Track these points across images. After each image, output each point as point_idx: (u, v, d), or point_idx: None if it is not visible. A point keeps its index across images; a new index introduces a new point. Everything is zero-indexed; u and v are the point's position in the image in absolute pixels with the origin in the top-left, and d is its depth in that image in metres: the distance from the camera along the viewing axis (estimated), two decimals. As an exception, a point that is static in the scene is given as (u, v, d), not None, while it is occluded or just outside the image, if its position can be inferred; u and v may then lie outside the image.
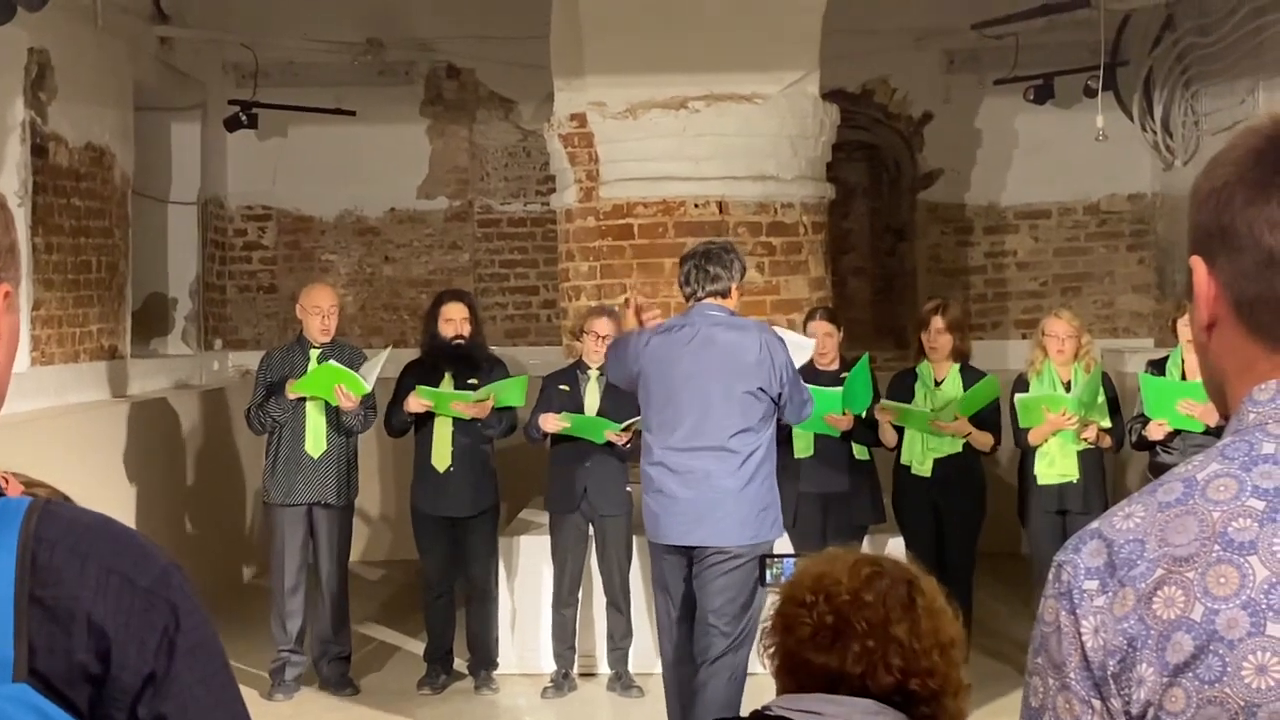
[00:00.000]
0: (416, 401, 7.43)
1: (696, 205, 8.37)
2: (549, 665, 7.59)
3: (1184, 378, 6.89)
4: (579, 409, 7.41)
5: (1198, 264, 1.41)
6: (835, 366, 7.57)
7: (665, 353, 6.00)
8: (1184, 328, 6.74)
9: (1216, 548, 1.29)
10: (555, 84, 8.72)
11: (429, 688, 7.61)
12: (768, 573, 4.38)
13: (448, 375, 7.55)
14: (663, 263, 8.10)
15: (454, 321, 7.56)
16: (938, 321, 7.58)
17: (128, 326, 9.28)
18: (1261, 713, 1.25)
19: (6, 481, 1.77)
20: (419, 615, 8.02)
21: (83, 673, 1.30)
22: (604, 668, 7.64)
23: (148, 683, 1.31)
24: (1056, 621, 1.35)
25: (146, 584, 1.34)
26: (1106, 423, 7.26)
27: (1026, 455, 7.41)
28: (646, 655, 7.25)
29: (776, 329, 6.48)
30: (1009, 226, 11.24)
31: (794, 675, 2.29)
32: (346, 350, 7.67)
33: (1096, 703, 1.32)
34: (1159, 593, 1.30)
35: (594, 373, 7.44)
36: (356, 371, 7.36)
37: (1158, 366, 7.14)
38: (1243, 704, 1.25)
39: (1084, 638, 1.33)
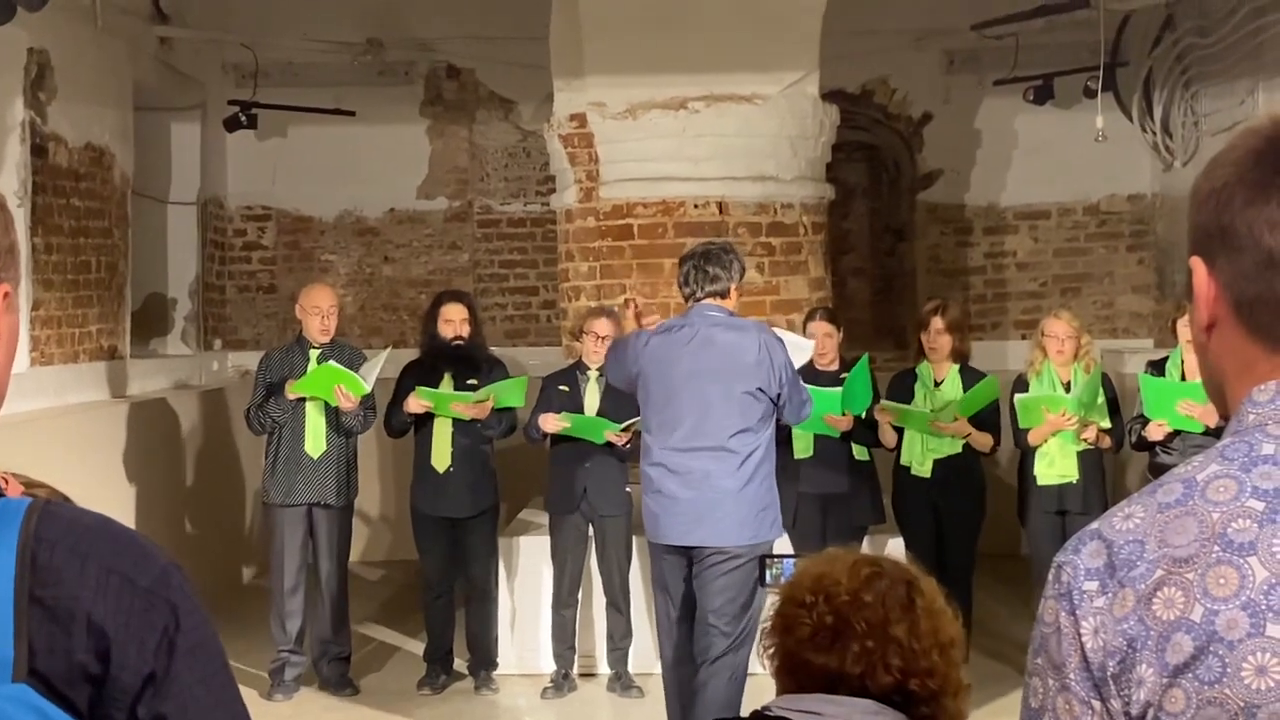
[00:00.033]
0: (416, 402, 7.43)
1: (696, 206, 8.37)
2: (549, 665, 7.59)
3: (1184, 378, 6.89)
4: (579, 409, 7.41)
5: (1197, 265, 1.41)
6: (835, 367, 7.57)
7: (664, 353, 6.00)
8: (1184, 328, 6.74)
9: (1216, 548, 1.29)
10: (555, 84, 8.73)
11: (429, 688, 7.61)
12: (767, 573, 4.38)
13: (447, 376, 7.55)
14: (662, 263, 8.10)
15: (453, 322, 7.56)
16: (937, 322, 7.58)
17: (127, 327, 9.28)
18: (1261, 713, 1.25)
19: (6, 482, 1.77)
20: (419, 615, 8.02)
21: (83, 673, 1.30)
22: (604, 668, 7.64)
23: (148, 683, 1.31)
24: (1056, 622, 1.35)
25: (146, 584, 1.34)
26: (1106, 423, 7.26)
27: (1026, 456, 7.41)
28: (646, 655, 7.25)
29: (775, 330, 6.48)
30: (1009, 227, 11.24)
31: (794, 675, 2.29)
32: (346, 351, 7.67)
33: (1096, 703, 1.32)
34: (1159, 593, 1.30)
35: (594, 373, 7.44)
36: (356, 372, 7.36)
37: (1157, 367, 7.14)
38: (1242, 705, 1.25)
39: (1084, 638, 1.33)
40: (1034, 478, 7.30)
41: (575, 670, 7.58)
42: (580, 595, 7.57)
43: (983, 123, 11.09)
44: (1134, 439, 7.13)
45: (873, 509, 7.63)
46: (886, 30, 10.50)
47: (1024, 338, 9.85)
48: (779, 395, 5.93)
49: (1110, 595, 1.32)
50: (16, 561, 1.30)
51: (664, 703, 6.31)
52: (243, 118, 10.45)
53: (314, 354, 7.53)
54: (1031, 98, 10.28)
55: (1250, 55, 8.65)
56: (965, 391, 7.49)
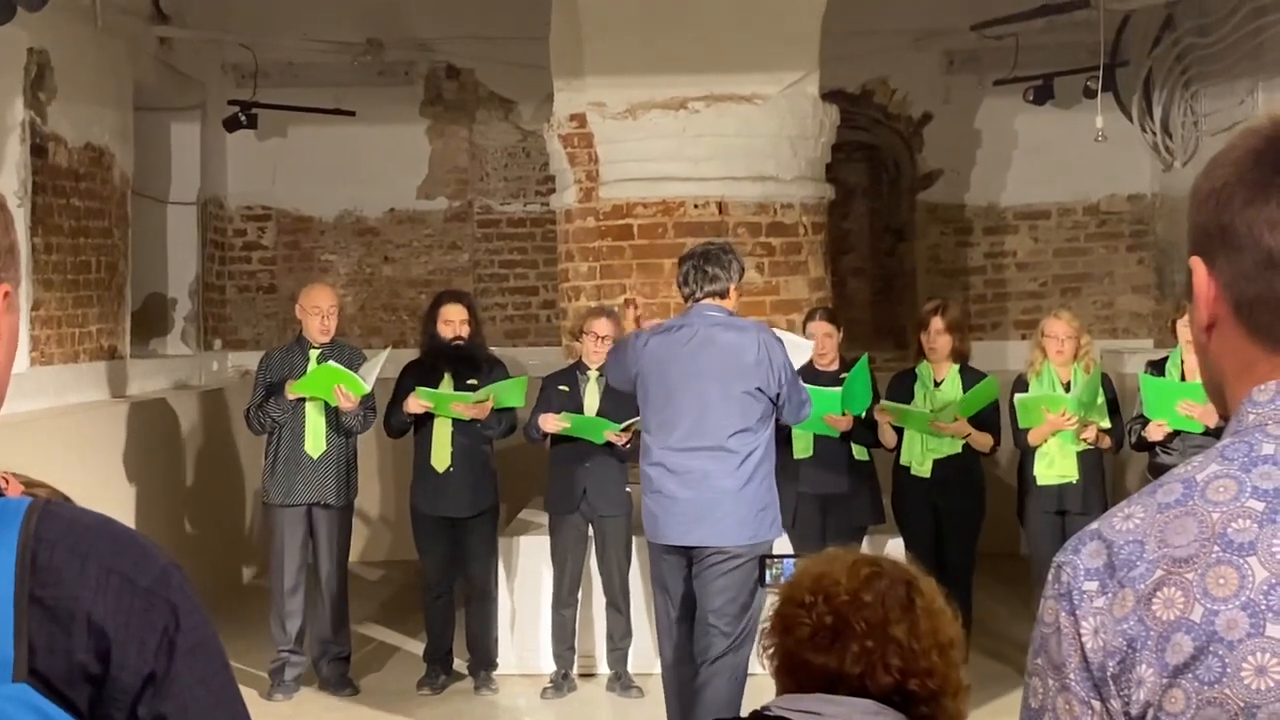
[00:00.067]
0: (416, 403, 7.43)
1: (696, 206, 8.37)
2: (548, 666, 7.59)
3: (1184, 378, 6.89)
4: (579, 409, 7.41)
5: (1197, 265, 1.41)
6: (835, 367, 7.57)
7: (664, 353, 6.00)
8: (1183, 328, 6.74)
9: (1216, 549, 1.29)
10: (555, 84, 8.73)
11: (429, 688, 7.61)
12: (767, 573, 4.38)
13: (447, 376, 7.55)
14: (662, 263, 8.10)
15: (453, 323, 7.56)
16: (937, 322, 7.58)
17: (127, 327, 9.28)
18: (1261, 714, 1.25)
19: (7, 482, 1.77)
20: (419, 615, 8.02)
21: (83, 673, 1.30)
22: (603, 668, 7.64)
23: (148, 683, 1.31)
24: (1056, 622, 1.35)
25: (146, 584, 1.34)
26: (1106, 423, 7.26)
27: (1026, 456, 7.40)
28: (646, 656, 7.25)
29: (775, 330, 6.48)
30: (1008, 227, 11.24)
31: (793, 675, 2.29)
32: (346, 350, 7.67)
33: (1096, 703, 1.32)
34: (1158, 594, 1.30)
35: (593, 373, 7.44)
36: (356, 372, 7.36)
37: (1157, 367, 7.14)
38: (1242, 705, 1.25)
39: (1084, 638, 1.33)
40: (1034, 478, 7.30)
41: (575, 670, 7.58)
42: (580, 595, 7.58)
43: (983, 123, 11.09)
44: (1134, 439, 7.13)
45: (872, 509, 7.63)
46: (886, 30, 10.51)
47: (1024, 338, 9.85)
48: (778, 395, 5.93)
49: (1110, 595, 1.32)
50: (16, 561, 1.30)
51: (664, 703, 6.31)
52: (243, 118, 10.45)
53: (314, 354, 7.53)
54: (1031, 98, 10.28)
55: (1250, 55, 8.65)
56: (965, 392, 7.48)
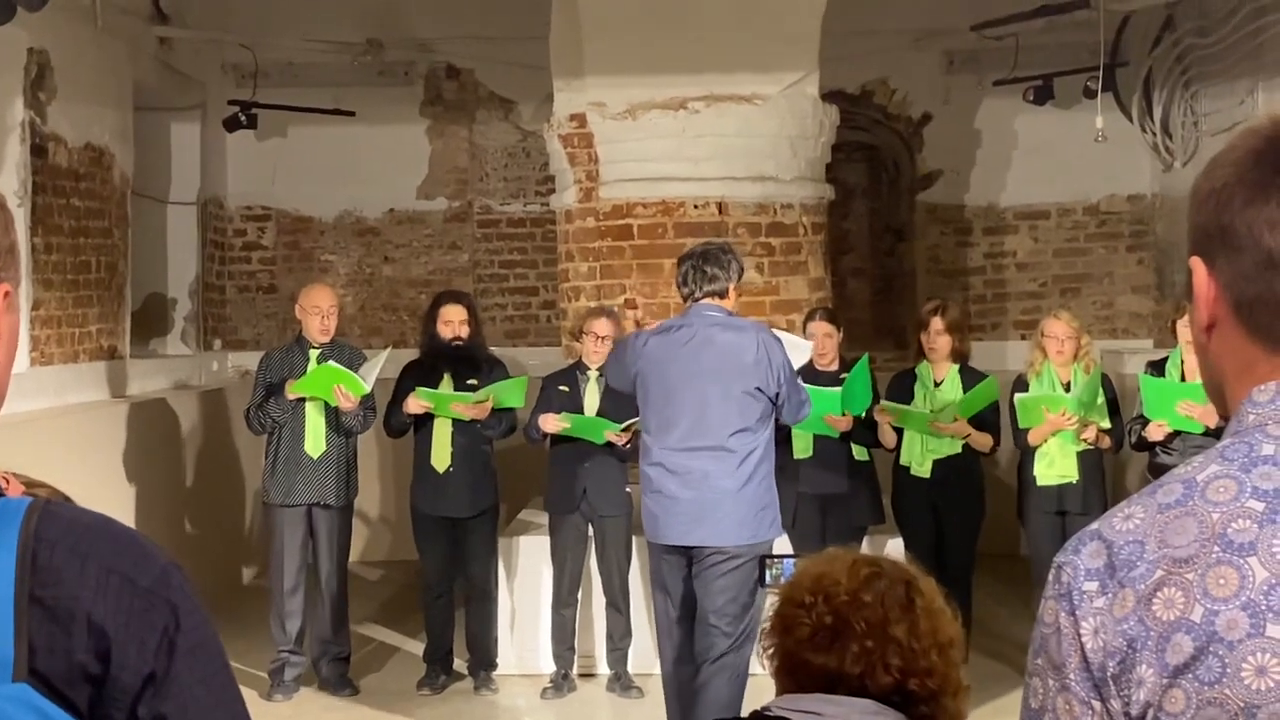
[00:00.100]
0: (416, 403, 7.43)
1: (696, 206, 8.37)
2: (548, 666, 7.59)
3: (1184, 379, 6.89)
4: (579, 409, 7.41)
5: (1197, 265, 1.41)
6: (835, 367, 7.57)
7: (663, 353, 6.00)
8: (1183, 329, 6.74)
9: (1216, 549, 1.29)
10: (555, 84, 8.73)
11: (428, 688, 7.61)
12: (767, 573, 4.38)
13: (447, 376, 7.55)
14: (662, 263, 8.10)
15: (452, 323, 7.55)
16: (937, 322, 7.58)
17: (127, 327, 9.28)
18: (1261, 714, 1.25)
19: (7, 481, 1.77)
20: (418, 616, 8.02)
21: (83, 673, 1.30)
22: (603, 668, 7.64)
23: (148, 683, 1.31)
24: (1056, 623, 1.35)
25: (146, 584, 1.34)
26: (1106, 423, 7.26)
27: (1026, 456, 7.40)
28: (646, 656, 7.24)
29: (774, 330, 6.48)
30: (1008, 227, 11.24)
31: (793, 676, 2.29)
32: (346, 350, 7.67)
33: (1096, 704, 1.32)
34: (1159, 594, 1.30)
35: (593, 373, 7.44)
36: (356, 372, 7.36)
37: (1157, 367, 7.14)
38: (1242, 705, 1.25)
39: (1084, 639, 1.33)
40: (1033, 478, 7.30)
41: (575, 670, 7.58)
42: (580, 595, 7.58)
43: (982, 123, 11.09)
44: (1134, 439, 7.13)
45: (872, 509, 7.63)
46: (886, 30, 10.51)
47: (1024, 338, 9.85)
48: (777, 395, 5.93)
49: (1110, 596, 1.32)
50: (17, 561, 1.30)
51: (664, 703, 6.31)
52: (242, 118, 10.45)
53: (314, 354, 7.53)
54: (1031, 98, 10.28)
55: (1250, 55, 8.65)
56: (965, 392, 7.48)
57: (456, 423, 7.50)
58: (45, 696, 1.28)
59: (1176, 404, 6.73)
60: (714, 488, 5.88)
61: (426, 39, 11.01)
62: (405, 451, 8.02)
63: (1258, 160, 1.37)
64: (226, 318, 11.26)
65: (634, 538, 7.26)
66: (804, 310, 8.12)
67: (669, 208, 8.39)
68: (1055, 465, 7.23)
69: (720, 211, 8.36)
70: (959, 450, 7.49)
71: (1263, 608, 1.26)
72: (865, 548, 7.16)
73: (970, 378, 7.57)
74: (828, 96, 8.83)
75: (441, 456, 7.53)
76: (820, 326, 7.58)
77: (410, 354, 8.03)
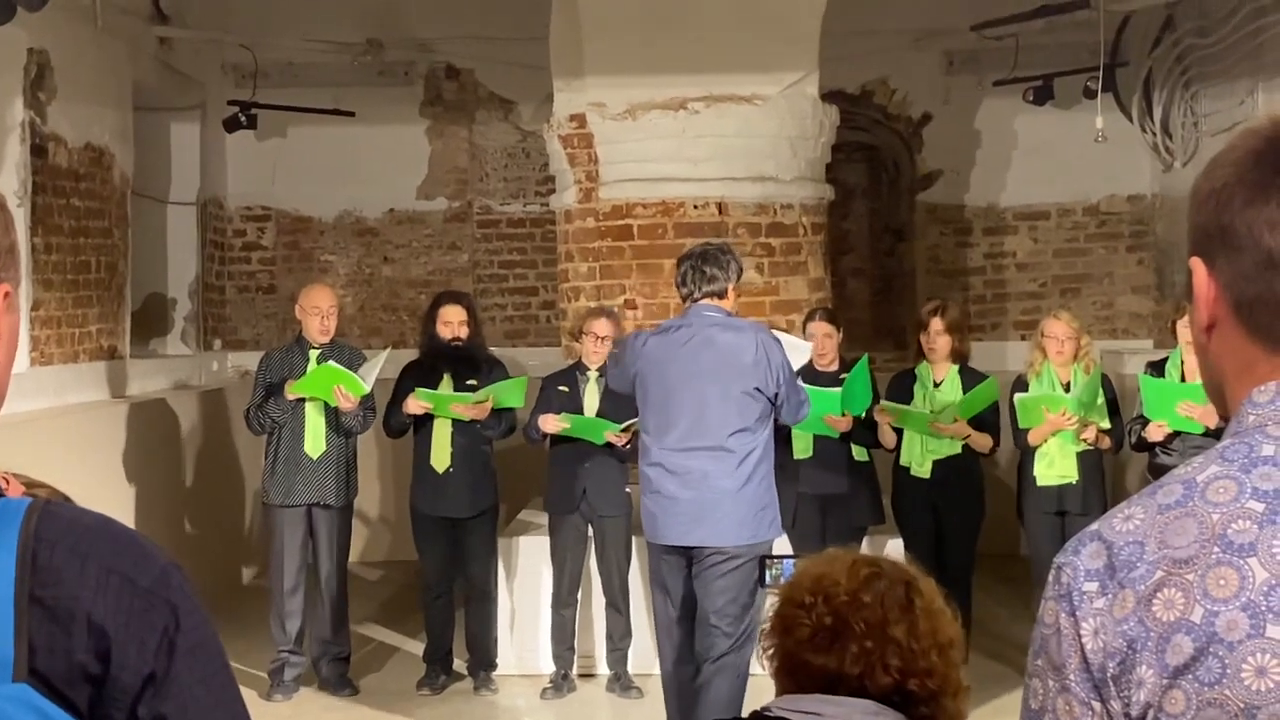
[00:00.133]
0: (415, 404, 7.43)
1: (696, 206, 8.37)
2: (548, 666, 7.59)
3: (1183, 379, 6.89)
4: (578, 410, 7.41)
5: (1197, 265, 1.41)
6: (835, 367, 7.57)
7: (662, 353, 6.01)
8: (1183, 329, 6.74)
9: (1216, 550, 1.29)
10: (555, 85, 8.73)
11: (428, 688, 7.61)
12: (767, 574, 4.38)
13: (447, 376, 7.55)
14: (662, 264, 8.10)
15: (451, 324, 7.55)
16: (936, 323, 7.58)
17: (127, 327, 9.28)
18: (1261, 715, 1.25)
19: (7, 482, 1.77)
20: (418, 616, 8.02)
21: (82, 673, 1.30)
22: (603, 668, 7.64)
23: (148, 683, 1.31)
24: (1056, 623, 1.35)
25: (146, 584, 1.34)
26: (1106, 424, 7.26)
27: (1026, 456, 7.40)
28: (646, 656, 7.24)
29: (773, 331, 6.48)
30: (1008, 228, 11.24)
31: (793, 676, 2.29)
32: (346, 351, 7.67)
33: (1096, 704, 1.32)
34: (1159, 595, 1.30)
35: (593, 374, 7.44)
36: (355, 372, 7.36)
37: (1157, 368, 7.14)
38: (1242, 706, 1.25)
39: (1084, 639, 1.33)
40: (1033, 478, 7.30)
41: (575, 671, 7.58)
42: (580, 596, 7.58)
43: (982, 123, 11.09)
44: (1134, 440, 7.13)
45: (872, 510, 7.63)
46: (886, 30, 10.51)
47: (1023, 338, 9.85)
48: (776, 395, 5.93)
49: (1110, 596, 1.32)
50: (17, 561, 1.30)
51: (664, 703, 6.31)
52: (242, 118, 10.45)
53: (313, 354, 7.53)
54: (1031, 98, 10.28)
55: (1250, 55, 8.65)
56: (965, 392, 7.48)
57: (456, 423, 7.50)
58: (45, 696, 1.28)
59: (1176, 404, 6.73)
60: (713, 488, 5.88)
61: (426, 39, 11.01)
62: (405, 452, 8.02)
63: (1258, 161, 1.37)
64: (226, 318, 11.26)
65: (634, 538, 7.26)
66: (804, 310, 8.12)
67: (669, 208, 8.39)
68: (1055, 465, 7.23)
69: (720, 212, 8.36)
70: (959, 451, 7.49)
71: (1263, 608, 1.26)
72: (865, 548, 7.16)
73: (970, 378, 7.57)
74: (828, 96, 8.83)
75: (441, 457, 7.53)
76: (820, 327, 7.58)
77: (410, 354, 8.03)
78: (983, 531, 7.69)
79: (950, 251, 11.30)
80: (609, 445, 7.32)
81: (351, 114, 10.73)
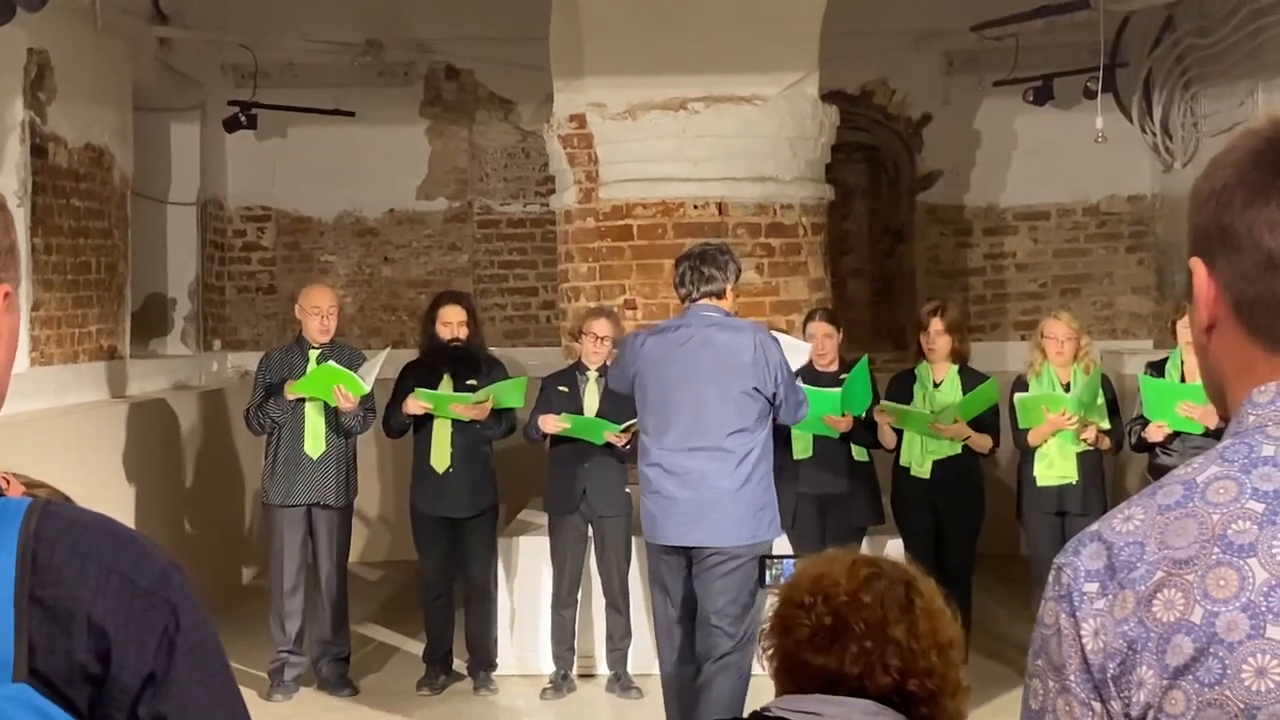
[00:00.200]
0: (415, 404, 7.43)
1: (696, 206, 8.37)
2: (548, 666, 7.59)
3: (1184, 379, 6.89)
4: (578, 410, 7.41)
5: (1197, 265, 1.41)
6: (834, 368, 7.57)
7: (661, 354, 6.01)
8: (1183, 329, 6.74)
9: (1216, 550, 1.29)
10: (555, 85, 8.73)
11: (428, 688, 7.61)
12: (767, 574, 4.38)
13: (446, 377, 7.55)
14: (662, 264, 8.09)
15: (451, 324, 7.56)
16: (936, 323, 7.58)
17: (127, 327, 9.28)
18: (1261, 715, 1.25)
19: (7, 482, 1.77)
20: (418, 616, 8.02)
21: (82, 673, 1.30)
22: (603, 669, 7.64)
23: (147, 683, 1.31)
24: (1056, 624, 1.35)
25: (146, 584, 1.34)
26: (1106, 424, 7.26)
27: (1025, 457, 7.40)
28: (646, 656, 7.24)
29: (772, 331, 6.48)
30: (1008, 228, 11.24)
31: (793, 676, 2.29)
32: (345, 351, 7.67)
33: (1097, 705, 1.32)
34: (1159, 595, 1.30)
35: (593, 374, 7.44)
36: (355, 372, 7.37)
37: (1157, 368, 7.14)
38: (1242, 706, 1.25)
39: (1084, 640, 1.33)
40: (1033, 479, 7.30)
41: (574, 671, 7.58)
42: (580, 596, 7.58)
43: (982, 123, 11.09)
44: (1134, 440, 7.13)
45: (872, 510, 7.63)
46: (886, 31, 10.51)
47: (1023, 339, 9.85)
48: (775, 395, 5.93)
49: (1110, 597, 1.32)
50: (17, 561, 1.30)
51: (664, 703, 6.31)
52: (242, 118, 10.45)
53: (313, 354, 7.53)
54: (1031, 98, 10.28)
55: (1250, 56, 8.65)
56: (964, 393, 7.48)
57: (456, 423, 7.50)
58: (45, 696, 1.28)
59: (1176, 405, 6.73)
60: (712, 488, 5.88)
61: (426, 39, 11.01)
62: (405, 452, 8.02)
63: (1258, 161, 1.37)
64: (226, 318, 11.26)
65: (633, 538, 7.26)
66: (804, 311, 8.12)
67: (669, 208, 8.39)
68: (1055, 466, 7.23)
69: (720, 212, 8.36)
70: (958, 451, 7.49)
71: (1263, 609, 1.26)
72: (865, 548, 7.16)
73: (970, 378, 7.57)
74: (828, 97, 8.83)
75: (441, 457, 7.53)
76: (820, 327, 7.58)
77: (410, 354, 8.04)
78: (983, 531, 7.69)
79: (950, 252, 11.30)
80: (609, 445, 7.32)
81: (351, 114, 10.73)
